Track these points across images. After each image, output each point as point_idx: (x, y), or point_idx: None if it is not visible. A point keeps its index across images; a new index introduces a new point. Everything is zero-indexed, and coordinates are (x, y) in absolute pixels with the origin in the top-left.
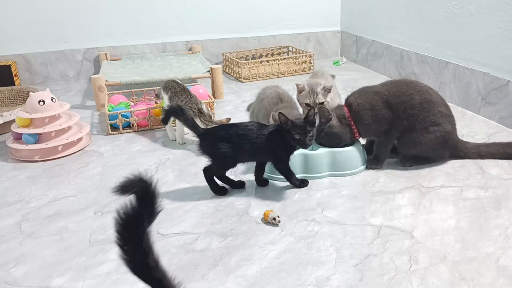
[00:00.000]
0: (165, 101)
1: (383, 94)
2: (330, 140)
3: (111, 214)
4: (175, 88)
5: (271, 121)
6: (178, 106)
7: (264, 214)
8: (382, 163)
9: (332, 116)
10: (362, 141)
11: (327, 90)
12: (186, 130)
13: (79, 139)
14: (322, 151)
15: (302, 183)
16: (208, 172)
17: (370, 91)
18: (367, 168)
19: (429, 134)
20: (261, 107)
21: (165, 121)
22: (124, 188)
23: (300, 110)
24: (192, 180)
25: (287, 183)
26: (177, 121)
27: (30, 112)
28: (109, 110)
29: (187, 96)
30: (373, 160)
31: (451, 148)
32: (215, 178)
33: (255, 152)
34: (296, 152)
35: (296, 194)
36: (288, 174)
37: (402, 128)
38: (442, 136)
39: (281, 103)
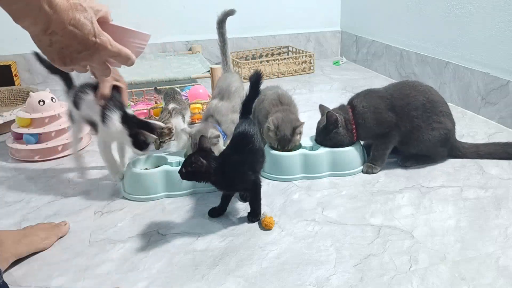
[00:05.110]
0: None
1: (386, 97)
2: (333, 143)
3: (111, 214)
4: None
5: (270, 124)
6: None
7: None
8: (380, 167)
9: (339, 122)
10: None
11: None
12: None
13: (79, 139)
14: (322, 151)
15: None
16: None
17: (374, 95)
18: (363, 172)
19: (433, 131)
20: (261, 108)
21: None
22: None
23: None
24: None
25: (287, 183)
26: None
27: (30, 112)
28: None
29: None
30: (369, 164)
31: (450, 147)
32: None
33: None
34: (296, 152)
35: (296, 194)
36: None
37: (405, 130)
38: (445, 134)
39: (280, 105)
